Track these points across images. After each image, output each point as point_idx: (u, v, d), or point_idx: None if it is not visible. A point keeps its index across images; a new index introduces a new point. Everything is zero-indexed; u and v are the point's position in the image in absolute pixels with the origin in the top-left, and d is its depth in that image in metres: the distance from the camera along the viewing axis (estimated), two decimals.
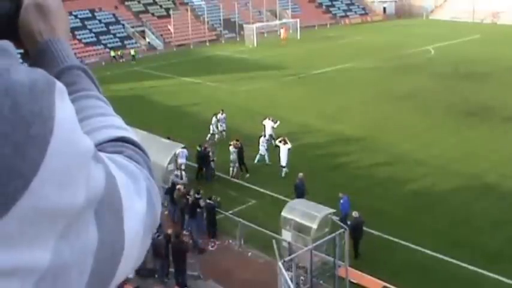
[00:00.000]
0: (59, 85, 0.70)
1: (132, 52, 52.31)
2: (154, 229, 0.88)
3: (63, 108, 0.69)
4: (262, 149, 23.64)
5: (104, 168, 0.76)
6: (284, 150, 22.51)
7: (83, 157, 0.70)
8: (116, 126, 0.94)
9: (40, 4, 0.96)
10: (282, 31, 57.38)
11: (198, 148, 22.66)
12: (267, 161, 23.48)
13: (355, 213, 16.77)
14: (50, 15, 0.97)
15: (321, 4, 73.63)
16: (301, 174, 19.73)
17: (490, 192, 20.37)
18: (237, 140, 23.05)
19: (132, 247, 0.80)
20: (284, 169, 22.46)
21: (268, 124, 25.86)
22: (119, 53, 52.68)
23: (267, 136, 24.99)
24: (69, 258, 0.69)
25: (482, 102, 31.12)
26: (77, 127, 0.71)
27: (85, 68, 1.00)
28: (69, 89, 0.94)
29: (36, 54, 0.96)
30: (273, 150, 23.44)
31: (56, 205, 0.66)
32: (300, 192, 19.08)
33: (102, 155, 0.78)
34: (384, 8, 77.71)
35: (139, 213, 0.82)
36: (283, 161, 22.48)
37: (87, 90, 0.96)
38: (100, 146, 0.88)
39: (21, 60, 0.80)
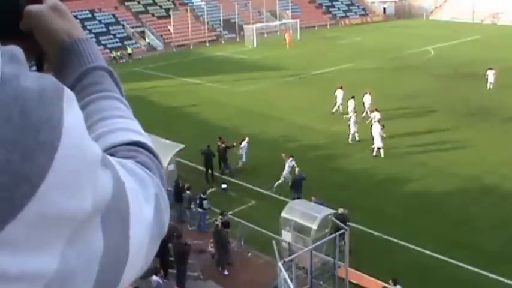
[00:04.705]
0: (68, 91, 0.70)
1: (129, 50, 53.19)
2: (162, 238, 0.86)
3: (72, 114, 0.68)
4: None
5: (112, 173, 0.75)
6: (377, 129, 23.80)
7: (90, 163, 0.70)
8: (133, 130, 0.93)
9: (56, 6, 0.95)
10: (287, 37, 55.85)
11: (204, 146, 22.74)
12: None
13: (341, 210, 16.75)
14: (68, 16, 0.97)
15: (321, 5, 73.58)
16: (298, 169, 20.37)
17: (490, 193, 20.38)
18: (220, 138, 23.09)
19: (137, 254, 0.79)
20: (380, 150, 23.79)
21: (367, 99, 28.28)
22: (118, 53, 52.69)
23: (366, 109, 27.69)
24: (76, 265, 0.69)
25: (482, 103, 31.10)
26: (85, 133, 0.71)
27: (111, 70, 0.99)
28: (91, 88, 0.94)
29: (59, 53, 0.95)
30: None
31: (63, 211, 0.66)
32: (298, 187, 19.32)
33: (112, 159, 0.78)
34: (384, 9, 77.64)
35: (146, 219, 0.81)
36: (378, 141, 23.87)
37: (108, 91, 0.95)
38: (114, 148, 0.87)
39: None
